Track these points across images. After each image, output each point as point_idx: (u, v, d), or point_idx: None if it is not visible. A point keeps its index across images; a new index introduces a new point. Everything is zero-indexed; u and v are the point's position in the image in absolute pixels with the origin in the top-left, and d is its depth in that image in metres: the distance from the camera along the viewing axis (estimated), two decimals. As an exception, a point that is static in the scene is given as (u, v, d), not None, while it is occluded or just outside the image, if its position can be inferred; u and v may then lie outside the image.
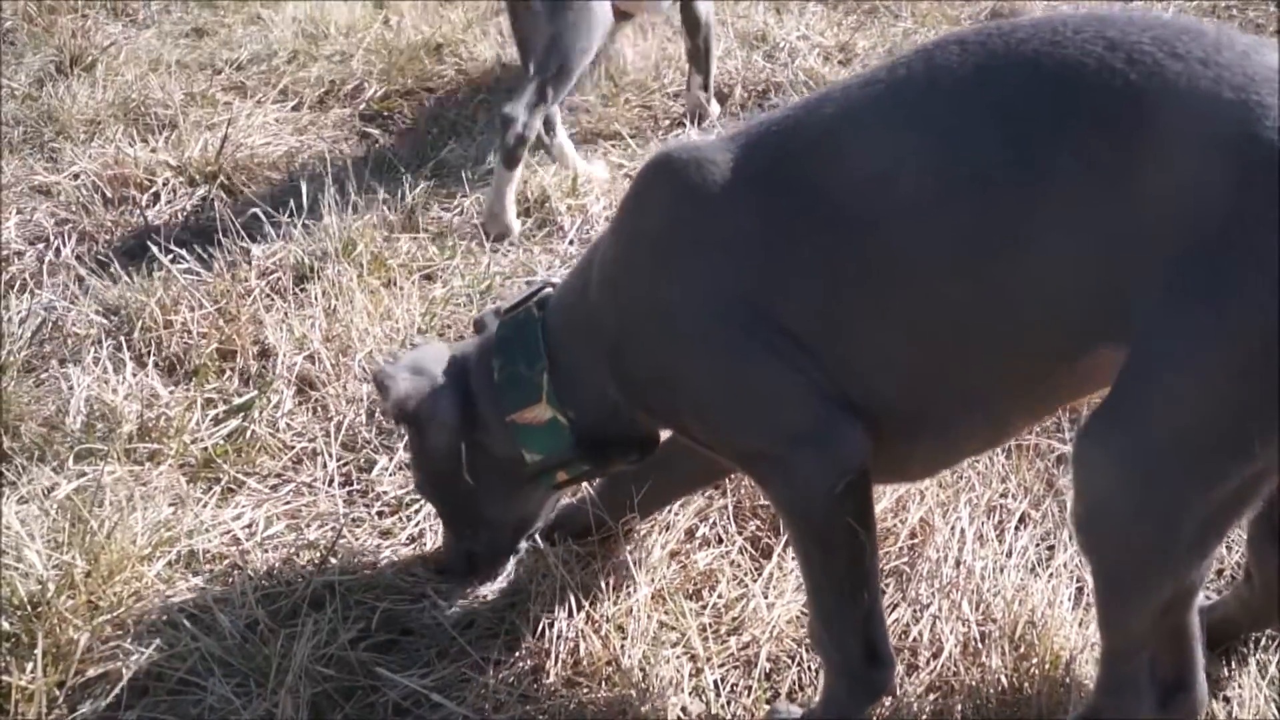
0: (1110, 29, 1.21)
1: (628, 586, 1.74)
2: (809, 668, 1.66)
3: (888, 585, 1.76)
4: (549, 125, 2.94)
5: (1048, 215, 1.21)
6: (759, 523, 1.88)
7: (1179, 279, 1.14)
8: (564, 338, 1.60)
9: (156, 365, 2.32)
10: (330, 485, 2.04)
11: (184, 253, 2.67)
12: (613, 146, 3.27)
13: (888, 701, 1.57)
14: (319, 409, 2.19)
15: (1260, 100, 1.10)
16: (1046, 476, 1.98)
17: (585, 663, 1.65)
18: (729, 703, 1.62)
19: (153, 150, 3.21)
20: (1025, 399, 1.40)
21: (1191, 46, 1.16)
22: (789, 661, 1.68)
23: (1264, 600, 1.51)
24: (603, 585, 1.76)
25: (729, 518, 1.88)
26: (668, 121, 3.44)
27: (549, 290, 1.70)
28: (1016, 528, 1.86)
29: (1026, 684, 1.58)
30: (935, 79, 1.30)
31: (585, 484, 1.83)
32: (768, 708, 1.59)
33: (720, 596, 1.74)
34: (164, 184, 3.05)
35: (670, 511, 1.87)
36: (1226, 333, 1.12)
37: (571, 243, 2.74)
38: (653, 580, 1.74)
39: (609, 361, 1.52)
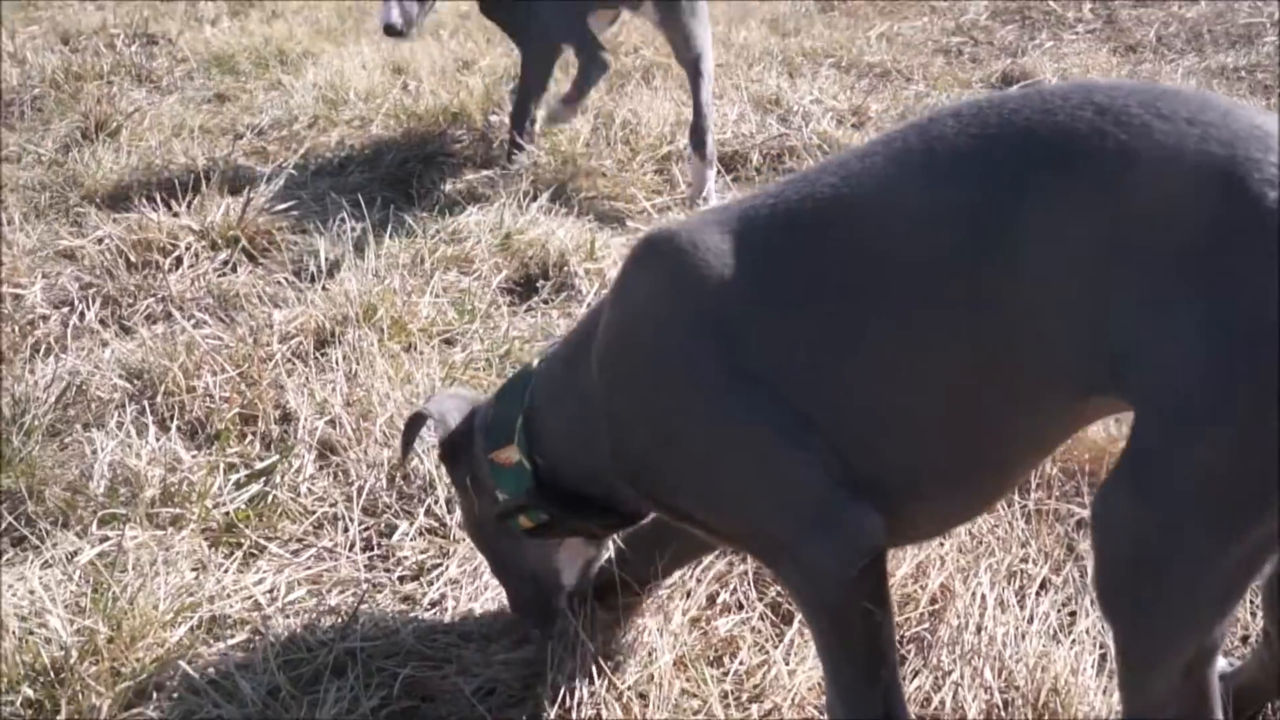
0: (1096, 95, 1.24)
1: (650, 653, 1.74)
2: (831, 736, 1.65)
3: (908, 652, 1.76)
4: None
5: (1047, 275, 1.22)
6: (780, 589, 1.88)
7: (1184, 335, 1.14)
8: (548, 391, 1.63)
9: (179, 429, 2.33)
10: (351, 550, 2.04)
11: (206, 317, 2.71)
12: (626, 209, 3.31)
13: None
14: (340, 474, 2.20)
15: (1247, 154, 1.13)
16: (1066, 541, 1.98)
17: (607, 730, 1.64)
18: (751, 771, 1.61)
19: (175, 215, 3.25)
20: (1032, 449, 1.42)
21: (1176, 107, 1.19)
22: (811, 729, 1.67)
23: None
24: (625, 652, 1.75)
25: (749, 583, 1.88)
26: (684, 185, 3.47)
27: None
28: (1038, 593, 1.85)
29: (1050, 752, 1.58)
30: (932, 150, 1.31)
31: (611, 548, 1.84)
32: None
33: (741, 664, 1.74)
34: (186, 248, 3.09)
35: (691, 577, 1.87)
36: (1238, 391, 1.12)
37: (589, 306, 2.76)
38: (674, 647, 1.73)
39: (607, 439, 1.52)
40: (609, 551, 1.86)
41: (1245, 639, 1.79)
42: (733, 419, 1.39)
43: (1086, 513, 2.00)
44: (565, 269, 2.88)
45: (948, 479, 1.40)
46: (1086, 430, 2.04)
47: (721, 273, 1.40)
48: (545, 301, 2.81)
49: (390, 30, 3.48)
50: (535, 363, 1.69)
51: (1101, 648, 1.72)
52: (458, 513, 1.98)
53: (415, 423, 1.75)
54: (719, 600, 1.86)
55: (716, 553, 1.88)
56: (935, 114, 1.36)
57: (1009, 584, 1.87)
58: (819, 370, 1.36)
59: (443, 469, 1.88)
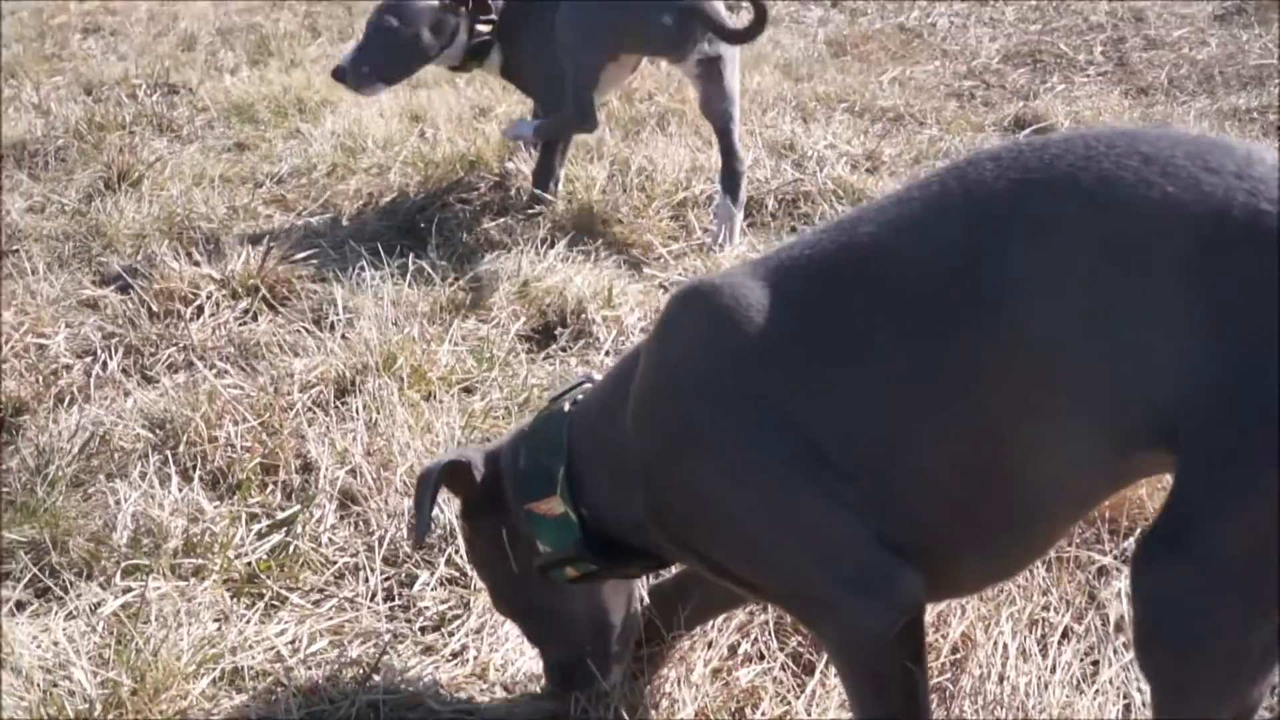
0: (1142, 144, 1.23)
1: (672, 704, 1.74)
2: (854, 788, 1.65)
3: (930, 702, 1.75)
4: None
5: (1093, 325, 1.21)
6: (801, 639, 1.88)
7: (1230, 395, 1.13)
8: (588, 443, 1.60)
9: (201, 479, 2.35)
10: (373, 600, 2.05)
11: (228, 366, 2.74)
12: (643, 256, 3.34)
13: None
14: (361, 523, 2.22)
15: None
16: (1088, 588, 1.97)
17: (630, 783, 1.64)
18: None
19: (196, 264, 3.28)
20: (1078, 505, 1.42)
21: (1224, 160, 1.18)
22: (834, 781, 1.67)
23: None
24: (647, 703, 1.75)
25: (770, 633, 1.88)
26: (700, 231, 3.49)
27: (588, 385, 1.71)
28: (1060, 642, 1.85)
29: (1076, 805, 1.57)
30: (971, 195, 1.31)
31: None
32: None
33: (764, 715, 1.74)
34: (208, 297, 3.12)
35: (713, 627, 1.87)
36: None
37: (607, 353, 2.78)
38: (696, 698, 1.73)
39: (640, 488, 1.50)
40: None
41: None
42: (773, 474, 1.38)
43: (1108, 560, 2.01)
44: (583, 316, 2.89)
45: (991, 536, 1.39)
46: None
47: (763, 325, 1.39)
48: (564, 349, 2.83)
49: (337, 74, 3.67)
50: (565, 407, 1.66)
51: (1125, 698, 1.72)
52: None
53: (429, 481, 1.65)
54: (740, 650, 1.86)
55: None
56: (973, 158, 1.36)
57: (1030, 633, 1.86)
58: (861, 426, 1.35)
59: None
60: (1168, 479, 1.25)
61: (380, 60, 3.60)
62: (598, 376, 1.72)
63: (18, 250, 3.65)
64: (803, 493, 1.36)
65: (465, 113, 4.73)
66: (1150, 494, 2.06)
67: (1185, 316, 1.16)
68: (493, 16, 3.62)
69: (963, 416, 1.30)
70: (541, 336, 2.89)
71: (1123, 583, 1.95)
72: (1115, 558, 2.01)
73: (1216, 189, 1.16)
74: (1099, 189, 1.22)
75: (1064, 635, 1.87)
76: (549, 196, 3.59)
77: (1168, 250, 1.18)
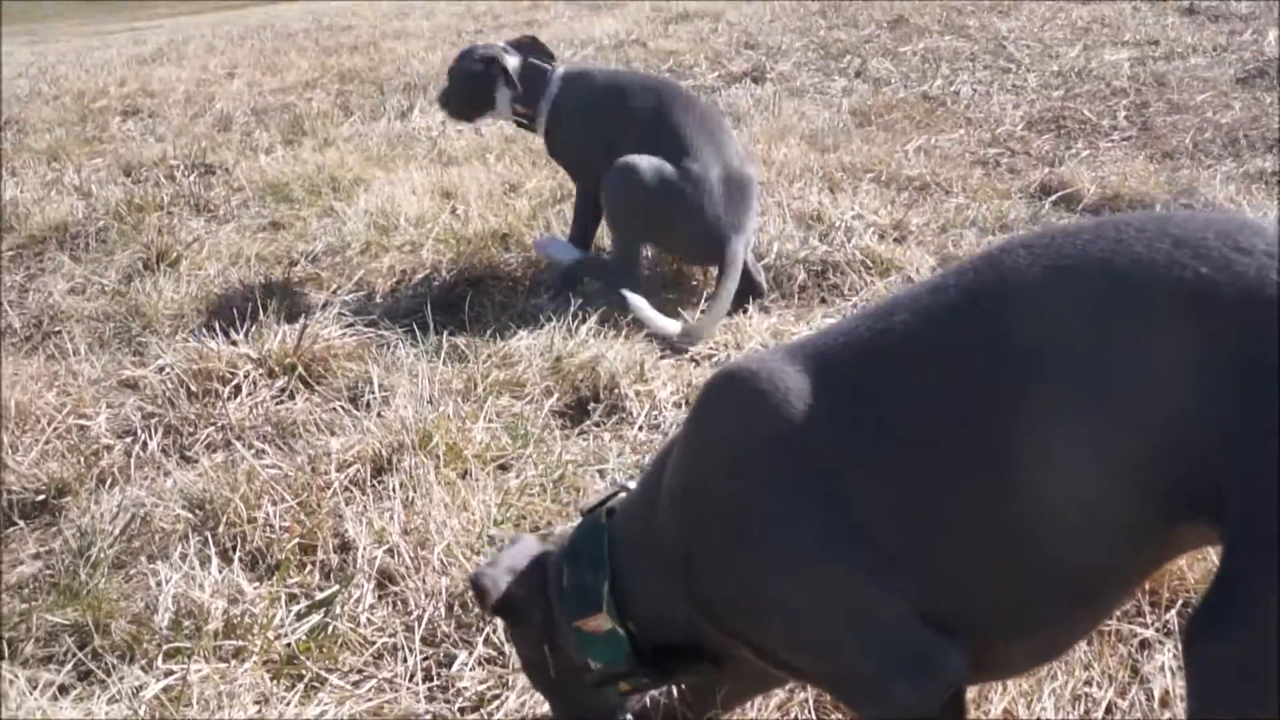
0: (1172, 227, 1.25)
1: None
2: None
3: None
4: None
5: (1130, 406, 1.23)
6: (840, 716, 1.87)
7: (1271, 477, 1.14)
8: (628, 549, 1.60)
9: (241, 560, 2.37)
10: (411, 681, 2.06)
11: (265, 446, 2.77)
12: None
13: None
14: (399, 603, 2.23)
15: None
16: (1131, 663, 1.96)
17: None
18: None
19: (234, 343, 3.33)
20: (1123, 582, 1.41)
21: (1254, 240, 1.21)
22: None
23: None
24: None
25: (810, 709, 1.87)
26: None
27: (623, 494, 1.71)
28: (1104, 717, 1.83)
29: None
30: (1005, 282, 1.33)
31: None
32: None
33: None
34: (245, 376, 3.16)
35: (751, 706, 1.87)
36: None
37: (640, 428, 2.79)
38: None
39: (680, 579, 1.51)
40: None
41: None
42: (815, 557, 1.38)
43: (1150, 633, 1.99)
44: (616, 391, 2.91)
45: (1038, 617, 1.39)
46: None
47: (800, 409, 1.41)
48: (597, 424, 2.85)
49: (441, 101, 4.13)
50: (603, 519, 1.66)
51: (1171, 775, 1.70)
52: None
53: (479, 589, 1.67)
54: (780, 730, 1.85)
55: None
56: (1007, 245, 1.38)
57: (1074, 708, 1.85)
58: (902, 508, 1.36)
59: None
60: (1208, 552, 1.25)
61: (453, 101, 4.02)
62: (633, 485, 1.71)
63: (60, 331, 3.72)
64: (847, 575, 1.37)
65: (496, 189, 4.80)
66: (1190, 565, 2.05)
67: (1227, 394, 1.17)
68: (523, 112, 3.88)
69: (1004, 497, 1.31)
70: (575, 412, 2.91)
71: (1166, 656, 1.93)
72: (1158, 630, 2.00)
73: (1249, 268, 1.19)
74: (1133, 272, 1.24)
75: (1108, 710, 1.85)
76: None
77: (1205, 331, 1.20)
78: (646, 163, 3.44)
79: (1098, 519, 1.29)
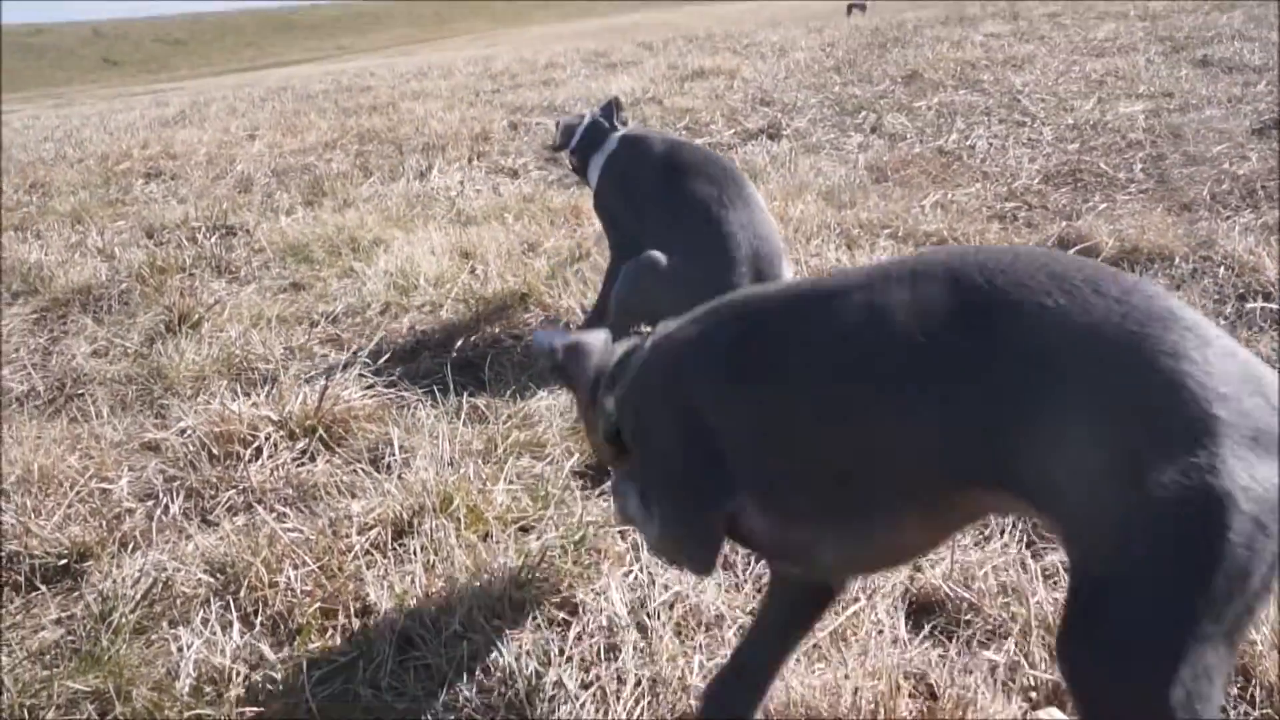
0: (1054, 264, 1.51)
1: None
2: None
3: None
4: None
5: (974, 398, 1.48)
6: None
7: (1104, 481, 1.35)
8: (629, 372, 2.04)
9: (262, 625, 2.37)
10: (433, 748, 2.04)
11: (287, 509, 2.77)
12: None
13: None
14: (420, 668, 2.21)
15: (1156, 335, 1.38)
16: None
17: None
18: None
19: (254, 405, 3.35)
20: (919, 522, 1.66)
21: (1109, 286, 1.45)
22: None
23: None
24: None
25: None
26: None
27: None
28: None
29: None
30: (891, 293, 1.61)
31: None
32: None
33: None
34: (266, 438, 3.17)
35: None
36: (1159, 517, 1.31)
37: (661, 488, 2.78)
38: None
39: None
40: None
41: None
42: (673, 441, 1.86)
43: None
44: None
45: (853, 535, 1.70)
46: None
47: (703, 370, 1.85)
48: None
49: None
50: (646, 343, 2.04)
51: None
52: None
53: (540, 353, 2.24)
54: None
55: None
56: (900, 261, 1.68)
57: None
58: (759, 438, 1.74)
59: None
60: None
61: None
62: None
63: (82, 394, 3.75)
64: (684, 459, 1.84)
65: (515, 248, 4.83)
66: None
67: (1060, 402, 1.40)
68: (577, 166, 4.05)
69: (862, 454, 1.61)
70: (595, 473, 2.90)
71: None
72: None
73: (1097, 309, 1.43)
74: (1011, 293, 1.49)
75: None
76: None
77: (1054, 349, 1.43)
78: (666, 265, 3.39)
79: (908, 470, 1.57)
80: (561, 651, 2.19)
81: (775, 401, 1.71)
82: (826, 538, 1.73)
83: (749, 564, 2.43)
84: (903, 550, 1.82)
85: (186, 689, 2.18)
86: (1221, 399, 1.34)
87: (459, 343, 3.85)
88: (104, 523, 2.86)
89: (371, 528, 2.64)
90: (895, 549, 1.79)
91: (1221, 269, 3.94)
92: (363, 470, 2.94)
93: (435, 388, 3.47)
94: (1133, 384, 1.38)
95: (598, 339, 2.23)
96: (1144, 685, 1.31)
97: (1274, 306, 3.57)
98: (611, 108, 4.02)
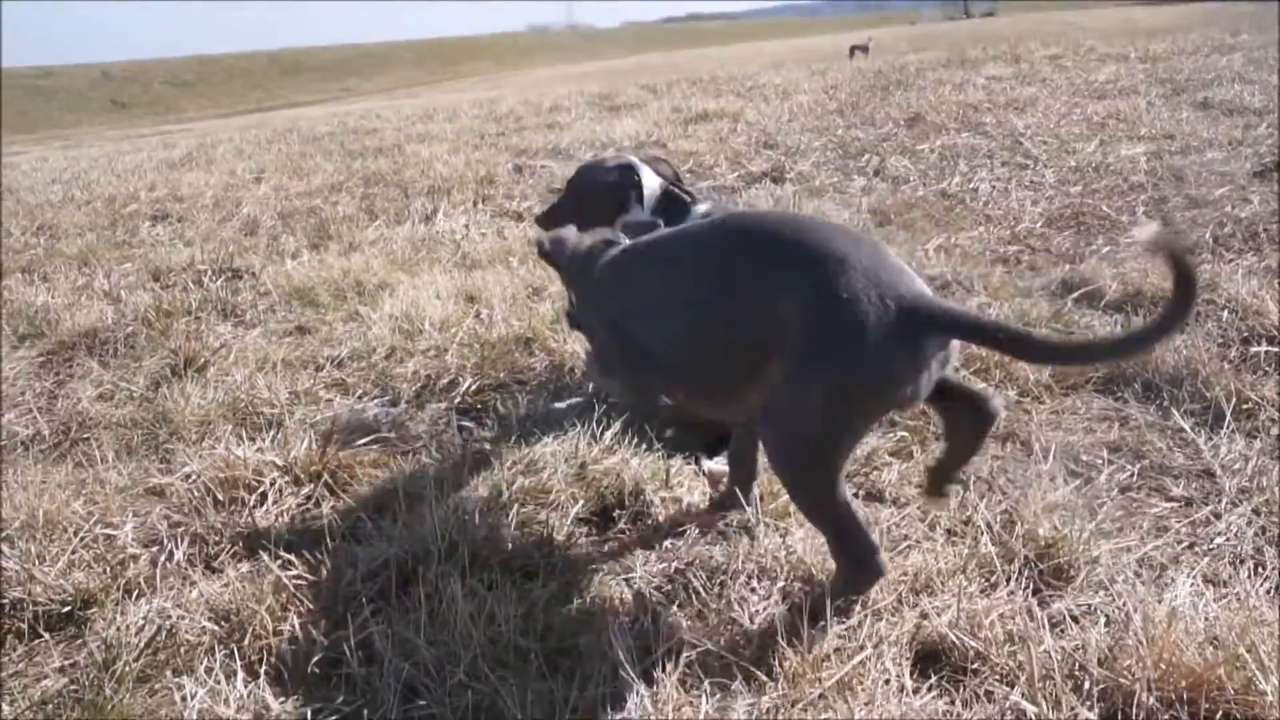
0: (808, 224, 2.35)
1: None
2: None
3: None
4: None
5: (757, 307, 2.27)
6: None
7: (801, 340, 2.19)
8: (590, 269, 2.89)
9: (266, 673, 2.36)
10: (437, 800, 2.02)
11: (292, 557, 2.76)
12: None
13: None
14: (425, 718, 2.20)
15: (830, 273, 2.18)
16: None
17: None
18: None
19: (259, 450, 3.35)
20: (742, 389, 2.40)
21: (848, 249, 2.22)
22: None
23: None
24: None
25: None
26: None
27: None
28: None
29: None
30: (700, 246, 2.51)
31: None
32: None
33: None
34: (271, 484, 3.18)
35: None
36: (821, 374, 2.18)
37: (667, 535, 2.78)
38: None
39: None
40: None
41: None
42: (605, 326, 2.76)
43: None
44: (642, 498, 2.91)
45: (706, 388, 2.53)
46: (1182, 655, 2.02)
47: (620, 279, 2.73)
48: (622, 532, 2.83)
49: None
50: (601, 259, 2.83)
51: None
52: None
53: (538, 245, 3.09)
54: None
55: None
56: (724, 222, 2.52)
57: None
58: (649, 325, 2.57)
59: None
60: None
61: (564, 217, 3.73)
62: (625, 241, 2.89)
63: (88, 438, 3.75)
64: (618, 354, 2.70)
65: (520, 293, 4.84)
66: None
67: (782, 298, 2.23)
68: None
69: (689, 327, 2.45)
70: (601, 519, 2.90)
71: None
72: None
73: (799, 251, 2.26)
74: (755, 242, 2.35)
75: None
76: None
77: (783, 278, 2.25)
78: None
79: (728, 350, 2.37)
80: (566, 700, 2.18)
81: (658, 317, 2.54)
82: (699, 402, 2.59)
83: (755, 615, 2.42)
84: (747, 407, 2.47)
85: (190, 740, 2.17)
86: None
87: (464, 387, 3.86)
88: (108, 569, 2.85)
89: (376, 575, 2.63)
90: (744, 407, 2.46)
91: (1225, 312, 3.95)
92: (367, 516, 2.94)
93: (440, 433, 3.47)
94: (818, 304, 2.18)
95: (572, 231, 3.05)
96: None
97: (1278, 350, 3.58)
98: (672, 175, 3.68)
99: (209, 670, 2.35)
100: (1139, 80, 10.65)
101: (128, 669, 2.38)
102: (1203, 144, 7.09)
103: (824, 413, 2.20)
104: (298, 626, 2.46)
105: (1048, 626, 2.30)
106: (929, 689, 2.18)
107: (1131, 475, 2.96)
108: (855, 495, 2.94)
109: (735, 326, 2.32)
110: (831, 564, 2.43)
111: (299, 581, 2.62)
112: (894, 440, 3.22)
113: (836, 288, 2.14)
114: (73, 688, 2.41)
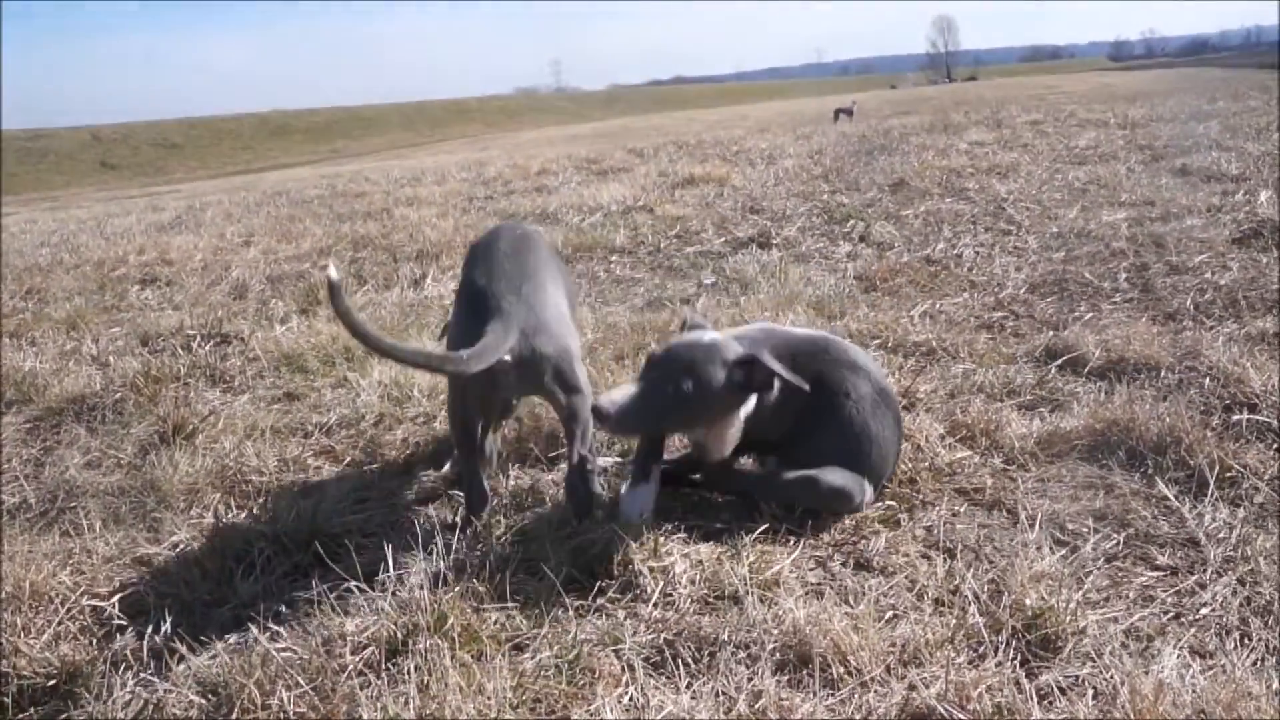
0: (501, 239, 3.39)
1: None
2: None
3: None
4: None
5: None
6: None
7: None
8: None
9: (254, 749, 2.34)
10: None
11: (280, 628, 2.75)
12: (691, 508, 3.37)
13: None
14: (413, 794, 2.19)
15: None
16: None
17: None
18: None
19: (248, 519, 3.35)
20: None
21: (504, 241, 3.42)
22: None
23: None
24: None
25: None
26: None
27: None
28: None
29: None
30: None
31: None
32: None
33: None
34: (259, 553, 3.17)
35: None
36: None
37: (656, 605, 2.78)
38: None
39: None
40: None
41: None
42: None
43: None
44: (630, 568, 2.91)
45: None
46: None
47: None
48: (611, 602, 2.83)
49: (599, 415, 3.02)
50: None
51: None
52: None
53: None
54: None
55: None
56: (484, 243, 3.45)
57: None
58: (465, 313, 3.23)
59: None
60: None
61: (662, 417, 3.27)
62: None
63: (75, 506, 3.74)
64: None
65: (507, 358, 4.86)
66: None
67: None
68: None
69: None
70: (589, 590, 2.89)
71: None
72: None
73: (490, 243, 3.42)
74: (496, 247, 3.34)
75: None
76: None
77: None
78: None
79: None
80: (556, 776, 2.17)
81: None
82: None
83: (743, 686, 2.42)
84: None
85: (176, 817, 2.15)
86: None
87: (452, 456, 3.86)
88: (94, 641, 2.84)
89: (365, 647, 2.62)
90: None
91: (1207, 380, 3.99)
92: (357, 587, 2.94)
93: (429, 502, 3.47)
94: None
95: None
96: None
97: (1260, 418, 3.62)
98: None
99: (197, 747, 2.34)
100: (1119, 146, 10.83)
101: (114, 746, 2.36)
102: (1182, 210, 7.20)
103: None
104: (286, 700, 2.44)
105: (1036, 699, 2.31)
106: (919, 763, 2.18)
107: (1117, 544, 2.97)
108: (844, 565, 2.95)
109: None
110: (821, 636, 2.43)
111: (287, 654, 2.61)
112: (881, 509, 3.23)
113: None
114: (59, 765, 2.39)
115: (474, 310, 3.12)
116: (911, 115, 19.95)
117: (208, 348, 5.67)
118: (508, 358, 3.01)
